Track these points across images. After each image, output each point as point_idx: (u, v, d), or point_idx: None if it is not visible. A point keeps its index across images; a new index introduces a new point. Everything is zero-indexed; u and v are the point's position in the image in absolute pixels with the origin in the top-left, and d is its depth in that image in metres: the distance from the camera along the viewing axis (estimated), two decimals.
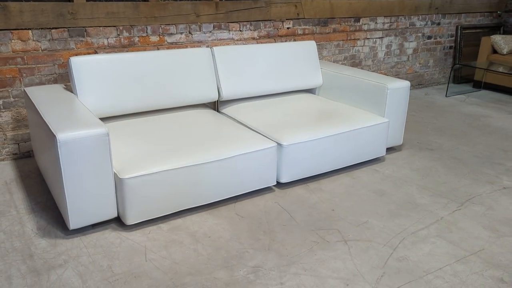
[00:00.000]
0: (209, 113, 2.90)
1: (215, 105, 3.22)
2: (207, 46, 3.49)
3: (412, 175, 2.80)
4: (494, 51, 5.02)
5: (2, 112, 2.82)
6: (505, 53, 4.90)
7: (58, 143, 1.86)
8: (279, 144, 2.49)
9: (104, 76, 2.55)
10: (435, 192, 2.58)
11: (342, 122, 2.75)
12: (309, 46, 3.38)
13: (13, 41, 2.75)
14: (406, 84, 2.96)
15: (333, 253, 1.99)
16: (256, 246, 2.03)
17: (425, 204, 2.44)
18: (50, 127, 1.94)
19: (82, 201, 1.99)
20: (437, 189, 2.62)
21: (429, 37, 5.00)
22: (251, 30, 3.68)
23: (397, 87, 2.93)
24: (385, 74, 4.78)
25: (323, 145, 2.62)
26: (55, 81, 2.93)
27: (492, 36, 4.96)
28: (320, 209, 2.37)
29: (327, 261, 1.93)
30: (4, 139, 2.86)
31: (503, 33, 5.59)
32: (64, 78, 2.96)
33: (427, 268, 1.90)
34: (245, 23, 3.64)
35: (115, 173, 2.06)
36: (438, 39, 5.10)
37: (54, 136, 1.87)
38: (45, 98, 2.38)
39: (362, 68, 4.55)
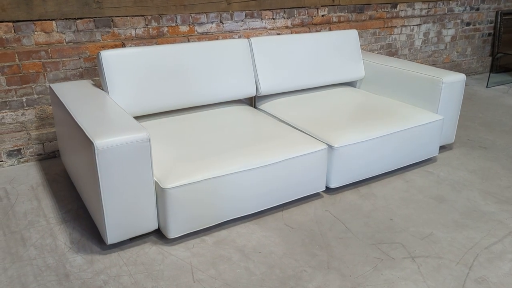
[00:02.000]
0: (247, 109, 2.67)
1: (252, 101, 2.99)
2: (239, 36, 3.24)
3: (470, 177, 2.56)
4: None
5: (26, 110, 2.62)
6: None
7: (96, 151, 1.65)
8: (330, 146, 2.26)
9: (136, 71, 2.33)
10: (500, 198, 2.35)
11: (394, 120, 2.51)
12: (351, 35, 3.12)
13: (36, 33, 2.53)
14: (462, 77, 2.70)
15: (402, 273, 1.77)
16: (314, 263, 1.82)
17: (493, 213, 2.21)
18: (86, 132, 1.73)
19: (121, 213, 1.79)
20: (501, 194, 2.38)
21: (468, 24, 4.70)
22: (284, 18, 3.43)
23: (453, 80, 2.67)
24: (421, 63, 4.50)
25: (375, 146, 2.38)
26: (81, 76, 2.72)
27: None
28: (377, 218, 2.15)
29: (396, 283, 1.71)
30: (28, 139, 2.67)
31: None
32: (91, 73, 2.75)
33: None
34: (278, 10, 3.38)
35: (156, 182, 1.85)
36: (477, 26, 4.79)
37: (92, 142, 1.66)
38: (74, 96, 2.17)
39: (398, 57, 4.27)
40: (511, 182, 2.52)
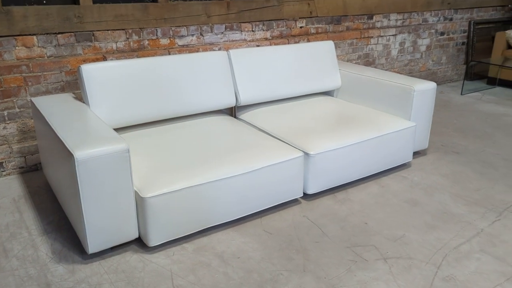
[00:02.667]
0: (227, 120, 2.74)
1: (232, 111, 3.06)
2: (219, 48, 3.33)
3: (442, 181, 2.66)
4: (509, 47, 4.88)
5: (7, 123, 2.65)
6: None
7: (76, 162, 1.70)
8: (306, 154, 2.34)
9: (117, 84, 2.39)
10: (470, 200, 2.45)
11: (369, 127, 2.61)
12: (327, 46, 3.23)
13: (17, 48, 2.58)
14: (432, 85, 2.82)
15: (374, 274, 1.84)
16: (290, 267, 1.89)
17: (462, 214, 2.30)
18: (66, 145, 1.78)
19: (101, 222, 1.84)
20: (471, 197, 2.49)
21: (442, 33, 4.86)
22: (263, 30, 3.52)
23: (424, 89, 2.78)
24: (398, 72, 4.64)
25: (350, 152, 2.47)
26: (63, 90, 2.76)
27: (507, 32, 4.83)
28: (352, 222, 2.22)
29: (369, 284, 1.78)
30: (10, 152, 2.70)
31: None
32: (72, 86, 2.79)
33: None
34: (257, 23, 3.48)
35: (136, 192, 1.90)
36: (451, 35, 4.96)
37: (71, 154, 1.71)
38: (54, 109, 2.21)
39: (375, 67, 4.40)
40: (481, 185, 2.62)
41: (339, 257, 1.95)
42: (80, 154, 1.71)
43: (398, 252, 1.99)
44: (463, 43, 5.12)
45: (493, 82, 4.99)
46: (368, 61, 4.32)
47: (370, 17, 4.17)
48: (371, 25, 4.21)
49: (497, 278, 1.82)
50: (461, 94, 4.64)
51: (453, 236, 2.11)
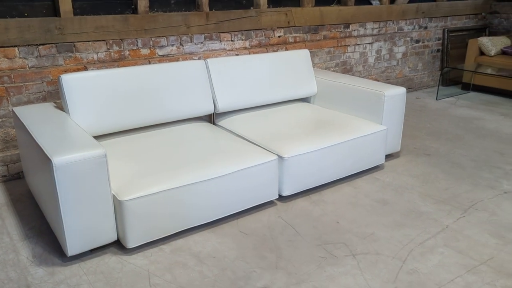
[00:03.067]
0: (205, 126, 2.83)
1: (211, 118, 3.15)
2: (199, 58, 3.43)
3: (413, 182, 2.78)
4: (482, 53, 5.07)
5: None
6: (492, 54, 4.94)
7: (54, 167, 1.78)
8: (280, 157, 2.44)
9: (97, 93, 2.47)
10: (437, 199, 2.56)
11: (341, 131, 2.72)
12: (303, 55, 3.35)
13: None
14: (402, 90, 2.95)
15: (343, 269, 1.94)
16: (263, 265, 1.97)
17: (429, 212, 2.41)
18: (45, 151, 1.85)
19: (80, 226, 1.91)
20: (439, 195, 2.60)
21: (417, 41, 5.03)
22: (242, 39, 3.63)
23: (394, 94, 2.91)
24: (375, 79, 4.78)
25: (323, 155, 2.57)
26: (44, 99, 2.83)
27: (479, 38, 5.01)
28: (325, 222, 2.32)
29: (337, 278, 1.87)
30: None
31: (489, 35, 5.66)
32: (54, 96, 2.86)
33: (439, 280, 1.86)
34: (236, 32, 3.59)
35: (113, 195, 1.98)
36: (426, 43, 5.13)
37: (50, 160, 1.79)
38: (36, 118, 2.29)
39: (353, 74, 4.54)
40: (449, 185, 2.74)
41: (310, 254, 2.04)
42: (57, 159, 1.79)
43: (366, 249, 2.08)
44: (438, 50, 5.30)
45: (467, 87, 5.16)
46: (346, 69, 4.46)
47: (347, 26, 4.31)
48: (347, 34, 4.35)
49: (458, 270, 1.93)
50: (436, 99, 4.79)
51: (419, 233, 2.22)
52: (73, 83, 2.40)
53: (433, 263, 1.98)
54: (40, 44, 2.76)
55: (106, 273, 1.91)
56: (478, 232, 2.22)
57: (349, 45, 4.39)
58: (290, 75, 3.24)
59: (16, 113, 2.40)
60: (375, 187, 2.71)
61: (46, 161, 1.84)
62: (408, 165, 3.04)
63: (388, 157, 3.19)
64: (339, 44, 4.31)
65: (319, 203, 2.52)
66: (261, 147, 2.56)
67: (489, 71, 4.66)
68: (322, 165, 2.59)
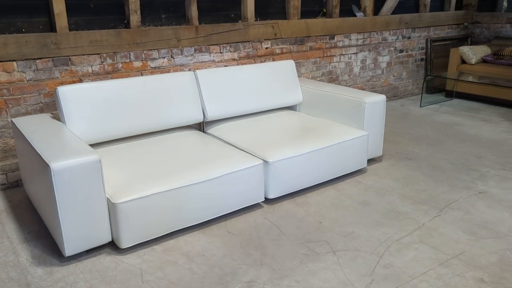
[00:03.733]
0: (195, 134, 2.98)
1: (201, 126, 3.30)
2: (189, 69, 3.58)
3: (394, 184, 2.93)
4: (463, 62, 5.26)
5: None
6: (473, 63, 5.14)
7: (52, 172, 1.91)
8: (265, 161, 2.58)
9: (91, 103, 2.61)
10: (416, 200, 2.71)
11: (324, 137, 2.87)
12: (288, 65, 3.51)
13: None
14: (382, 98, 3.11)
15: (323, 264, 2.07)
16: (249, 261, 2.10)
17: (407, 212, 2.56)
18: (43, 157, 1.98)
19: (77, 227, 2.03)
20: (418, 196, 2.75)
21: (401, 51, 5.22)
22: (231, 51, 3.80)
23: (374, 101, 3.07)
24: (361, 88, 4.95)
25: (307, 160, 2.72)
26: (41, 110, 2.97)
27: (460, 48, 5.21)
28: (308, 222, 2.46)
29: (318, 272, 2.01)
30: None
31: (471, 44, 5.87)
32: (50, 107, 3.00)
33: (412, 273, 2.00)
34: (225, 45, 3.75)
35: (108, 198, 2.11)
36: (410, 52, 5.32)
37: (48, 165, 1.92)
38: (34, 128, 2.42)
39: (339, 83, 4.71)
40: (427, 186, 2.89)
41: (293, 252, 2.18)
42: (55, 165, 1.92)
43: (346, 246, 2.22)
44: (421, 59, 5.49)
45: (450, 94, 5.35)
46: (332, 78, 4.63)
47: (332, 37, 4.49)
48: (333, 45, 4.53)
49: (431, 263, 2.07)
50: (420, 106, 4.97)
51: (397, 231, 2.36)
52: (69, 94, 2.54)
53: (408, 258, 2.12)
54: (37, 58, 2.91)
55: (101, 271, 2.03)
56: (452, 230, 2.37)
57: (334, 55, 4.57)
58: (277, 85, 3.40)
59: (16, 123, 2.53)
60: (357, 190, 2.85)
61: (44, 166, 1.97)
62: (390, 169, 3.19)
63: (371, 161, 3.34)
64: (325, 55, 4.49)
65: (303, 205, 2.65)
66: (248, 152, 2.70)
67: (470, 78, 4.85)
68: (306, 169, 2.73)
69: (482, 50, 5.24)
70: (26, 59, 2.87)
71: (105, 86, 2.67)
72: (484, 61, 5.19)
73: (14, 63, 2.83)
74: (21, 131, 2.38)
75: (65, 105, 2.53)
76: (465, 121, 4.38)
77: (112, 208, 2.09)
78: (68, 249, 2.04)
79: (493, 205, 2.63)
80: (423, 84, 5.10)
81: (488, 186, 2.89)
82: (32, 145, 2.16)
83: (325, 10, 4.45)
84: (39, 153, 2.04)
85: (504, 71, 4.84)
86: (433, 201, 2.68)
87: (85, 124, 2.58)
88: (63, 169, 1.93)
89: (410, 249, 2.19)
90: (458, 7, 5.80)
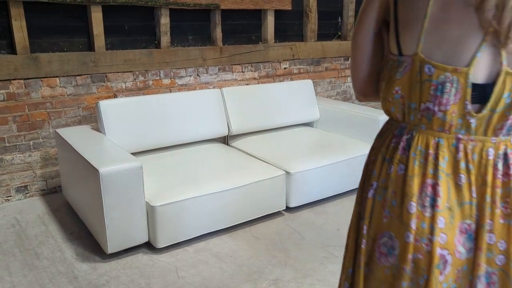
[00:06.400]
0: (220, 146, 3.21)
1: (225, 140, 3.53)
2: (214, 87, 3.83)
3: None
4: None
5: (32, 152, 3.09)
6: None
7: (100, 176, 2.14)
8: (287, 172, 2.79)
9: (128, 117, 2.86)
10: None
11: (340, 151, 3.08)
12: (306, 85, 3.75)
13: (42, 88, 3.05)
14: None
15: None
16: (274, 262, 2.29)
17: None
18: (91, 163, 2.22)
19: (119, 227, 2.25)
20: None
21: None
22: (252, 71, 4.05)
23: (387, 118, 3.27)
24: (374, 106, 5.17)
25: (325, 172, 2.92)
26: (79, 123, 3.22)
27: None
28: (327, 229, 2.65)
29: (337, 273, 2.19)
30: (34, 177, 3.12)
31: None
32: (87, 119, 3.25)
33: None
34: (246, 64, 4.01)
35: (147, 202, 2.33)
36: None
37: (97, 170, 2.15)
38: (78, 138, 2.66)
39: (353, 102, 4.93)
40: None
41: (314, 254, 2.37)
42: (104, 170, 2.15)
43: None
44: None
45: None
46: (346, 97, 4.86)
47: (346, 58, 4.74)
48: (347, 66, 4.77)
49: None
50: None
51: None
52: (109, 108, 2.79)
53: None
54: (77, 75, 3.18)
55: (140, 268, 2.23)
56: None
57: (348, 76, 4.81)
58: (295, 103, 3.63)
59: (60, 134, 2.78)
60: None
61: (93, 172, 2.21)
62: None
63: None
64: (340, 75, 4.73)
65: (322, 214, 2.85)
66: (271, 164, 2.91)
67: None
68: (324, 180, 2.94)
69: None
70: (68, 76, 3.14)
71: (140, 101, 2.93)
72: None
73: (57, 79, 3.10)
74: (67, 141, 2.62)
75: (105, 118, 2.78)
76: None
77: (150, 210, 2.31)
78: (111, 247, 2.26)
79: None
80: None
81: None
82: (80, 153, 2.39)
83: (340, 33, 4.72)
84: (88, 160, 2.27)
85: None
86: None
87: (122, 135, 2.82)
88: (110, 173, 2.16)
89: None
90: None
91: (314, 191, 2.91)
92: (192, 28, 3.70)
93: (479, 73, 0.86)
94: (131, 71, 3.40)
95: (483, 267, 0.91)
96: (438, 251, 0.90)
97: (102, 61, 3.25)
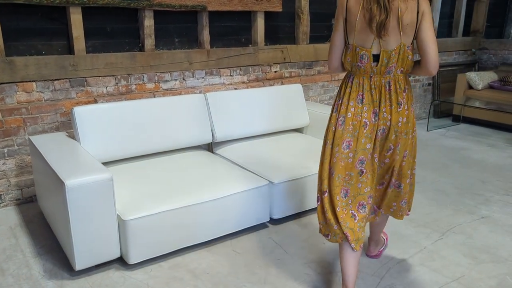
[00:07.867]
0: (204, 154, 3.07)
1: (210, 147, 3.39)
2: (200, 92, 3.70)
3: None
4: (470, 87, 5.33)
5: (7, 159, 2.96)
6: (480, 88, 5.20)
7: (66, 189, 2.00)
8: (270, 182, 2.65)
9: (105, 123, 2.72)
10: (419, 223, 2.75)
11: None
12: (296, 89, 3.61)
13: (18, 93, 2.93)
14: None
15: (325, 285, 2.12)
16: (253, 280, 2.16)
17: (410, 235, 2.60)
18: (58, 174, 2.09)
19: (88, 242, 2.12)
20: (421, 219, 2.79)
21: (408, 76, 5.29)
22: (240, 74, 3.92)
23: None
24: None
25: (312, 181, 2.78)
26: (57, 129, 3.09)
27: (467, 73, 5.28)
28: (312, 243, 2.51)
29: None
30: (8, 186, 2.99)
31: (478, 70, 5.94)
32: (66, 125, 3.12)
33: None
34: (235, 68, 3.88)
35: (118, 215, 2.19)
36: (417, 77, 5.41)
37: (63, 182, 2.02)
38: (50, 146, 2.53)
39: None
40: (431, 210, 2.93)
41: (296, 272, 2.23)
42: (70, 182, 2.02)
43: None
44: (428, 84, 5.57)
45: (457, 119, 5.39)
46: None
47: None
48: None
49: (431, 286, 2.11)
50: (427, 130, 5.02)
51: (398, 253, 2.40)
52: (84, 114, 2.66)
53: (408, 280, 2.15)
54: (55, 79, 3.05)
55: (110, 286, 2.10)
56: (453, 253, 2.40)
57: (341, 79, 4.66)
58: (284, 108, 3.49)
59: (33, 141, 2.65)
60: None
61: (59, 184, 2.07)
62: None
63: None
64: (332, 79, 4.59)
65: (307, 226, 2.71)
66: (254, 173, 2.78)
67: (477, 104, 4.91)
68: (310, 190, 2.80)
69: (489, 76, 5.30)
70: (45, 80, 3.01)
71: (119, 107, 2.79)
72: (491, 87, 5.25)
73: (34, 83, 2.97)
74: (38, 149, 2.49)
75: (80, 125, 2.65)
76: (471, 145, 4.42)
77: (121, 224, 2.17)
78: (79, 264, 2.12)
79: (496, 230, 2.66)
80: (430, 109, 5.17)
81: (492, 211, 2.92)
82: (48, 162, 2.26)
83: None
84: (55, 170, 2.14)
85: (511, 97, 4.89)
86: (436, 225, 2.72)
87: (98, 143, 2.68)
88: (76, 186, 2.03)
89: (411, 271, 2.23)
90: (466, 33, 5.89)
91: (300, 202, 2.77)
92: (178, 30, 3.57)
93: (374, 50, 1.80)
94: (112, 75, 3.27)
95: (381, 126, 1.89)
96: (364, 120, 1.87)
97: (82, 64, 3.12)
